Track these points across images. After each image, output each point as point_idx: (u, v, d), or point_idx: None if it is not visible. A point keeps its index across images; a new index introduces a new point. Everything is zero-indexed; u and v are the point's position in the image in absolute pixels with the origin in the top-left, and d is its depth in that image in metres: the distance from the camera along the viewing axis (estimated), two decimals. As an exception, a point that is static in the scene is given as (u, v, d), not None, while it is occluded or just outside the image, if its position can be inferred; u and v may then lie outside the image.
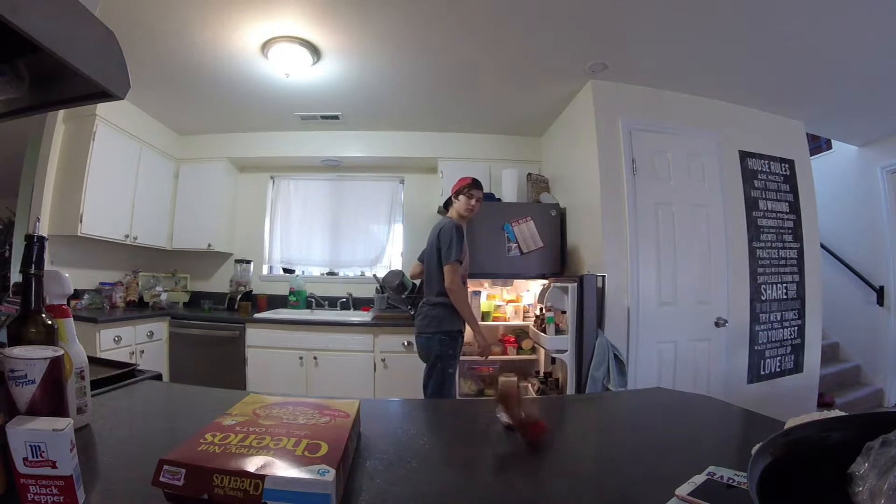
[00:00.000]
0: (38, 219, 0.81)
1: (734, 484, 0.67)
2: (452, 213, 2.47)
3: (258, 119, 3.57)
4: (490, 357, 3.20)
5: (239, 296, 3.72)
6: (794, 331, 3.01)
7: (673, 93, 2.84)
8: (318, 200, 4.19)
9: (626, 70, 2.65)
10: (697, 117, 2.89)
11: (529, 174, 3.56)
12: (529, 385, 3.12)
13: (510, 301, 3.37)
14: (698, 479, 0.69)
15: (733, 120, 2.97)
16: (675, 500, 0.63)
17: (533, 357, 3.28)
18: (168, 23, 2.24)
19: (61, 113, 2.88)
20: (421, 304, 2.50)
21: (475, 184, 2.43)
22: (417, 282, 3.56)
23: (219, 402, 0.96)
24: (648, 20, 2.17)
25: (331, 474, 0.54)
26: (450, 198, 2.52)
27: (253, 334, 3.27)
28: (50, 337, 0.73)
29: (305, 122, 3.64)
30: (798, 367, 3.02)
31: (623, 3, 2.05)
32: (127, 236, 3.29)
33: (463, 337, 2.42)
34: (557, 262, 3.08)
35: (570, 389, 2.57)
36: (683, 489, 0.65)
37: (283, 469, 0.55)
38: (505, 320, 3.27)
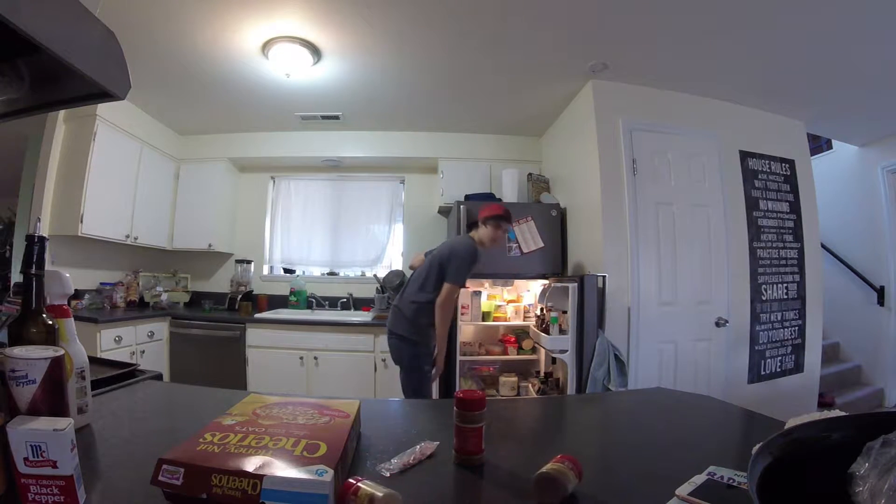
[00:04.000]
0: (39, 219, 0.81)
1: (734, 484, 0.67)
2: (475, 235, 2.35)
3: (258, 119, 3.58)
4: (491, 357, 3.21)
5: (239, 296, 3.72)
6: (794, 331, 3.01)
7: (673, 93, 2.84)
8: (318, 200, 4.19)
9: (627, 70, 2.64)
10: (698, 117, 2.89)
11: (530, 174, 3.56)
12: (530, 385, 3.12)
13: (511, 301, 3.37)
14: (698, 479, 0.69)
15: (733, 120, 2.96)
16: (675, 500, 0.63)
17: (533, 357, 3.28)
18: (169, 23, 2.24)
19: (62, 113, 2.88)
20: (399, 298, 2.36)
21: (506, 216, 2.33)
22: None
23: (219, 402, 0.96)
24: (649, 20, 2.17)
25: (329, 474, 0.54)
26: (476, 220, 2.40)
27: (253, 334, 3.27)
28: (50, 337, 0.73)
29: (306, 122, 3.64)
30: (798, 368, 3.02)
31: (623, 3, 2.05)
32: (127, 236, 3.29)
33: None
34: (558, 262, 3.08)
35: (571, 389, 2.57)
36: (684, 489, 0.65)
37: (281, 469, 0.55)
38: (505, 320, 3.27)
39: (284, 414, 0.77)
